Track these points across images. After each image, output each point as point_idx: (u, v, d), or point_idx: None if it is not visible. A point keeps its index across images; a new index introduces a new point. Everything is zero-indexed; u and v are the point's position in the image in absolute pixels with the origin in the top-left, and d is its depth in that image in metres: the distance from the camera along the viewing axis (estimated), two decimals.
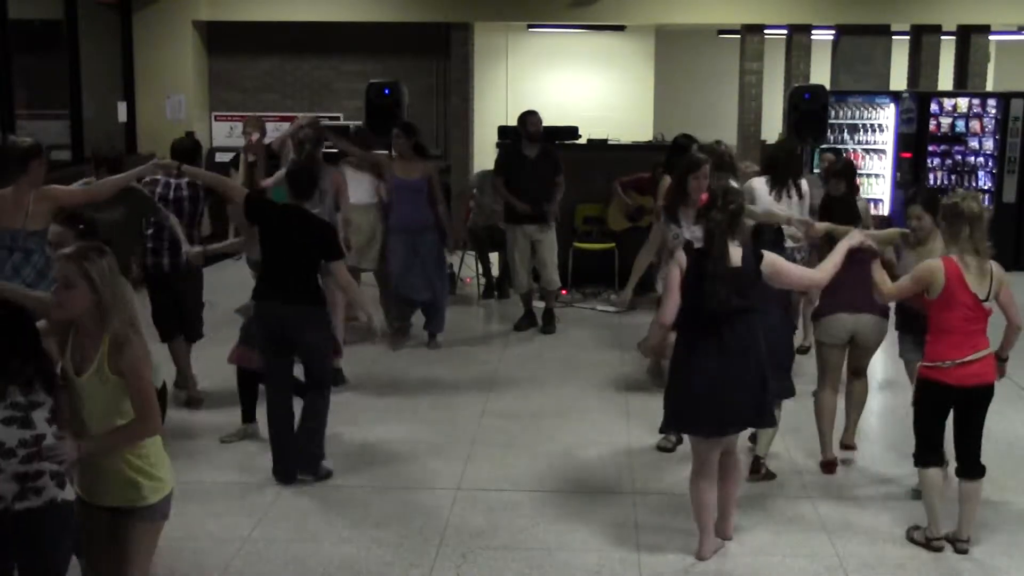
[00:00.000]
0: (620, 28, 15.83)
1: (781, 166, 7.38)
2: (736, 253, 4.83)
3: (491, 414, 7.14)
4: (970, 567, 4.98)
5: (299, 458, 5.92)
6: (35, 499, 3.45)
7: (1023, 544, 5.25)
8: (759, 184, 7.32)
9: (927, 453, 5.09)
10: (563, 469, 6.17)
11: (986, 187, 12.36)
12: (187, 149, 7.26)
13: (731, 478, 5.15)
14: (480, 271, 10.64)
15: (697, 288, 4.81)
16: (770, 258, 4.91)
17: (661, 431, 5.37)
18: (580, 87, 16.30)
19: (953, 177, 12.43)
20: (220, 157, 10.53)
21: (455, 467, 6.16)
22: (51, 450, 3.42)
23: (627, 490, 5.86)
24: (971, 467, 5.09)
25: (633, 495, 5.78)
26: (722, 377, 4.81)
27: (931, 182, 12.37)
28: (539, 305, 9.45)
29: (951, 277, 4.93)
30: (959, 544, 5.10)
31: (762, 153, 7.31)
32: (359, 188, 8.49)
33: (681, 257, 4.93)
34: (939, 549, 5.08)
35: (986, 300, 4.97)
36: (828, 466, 6.05)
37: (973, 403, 5.05)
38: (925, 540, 5.13)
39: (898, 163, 12.76)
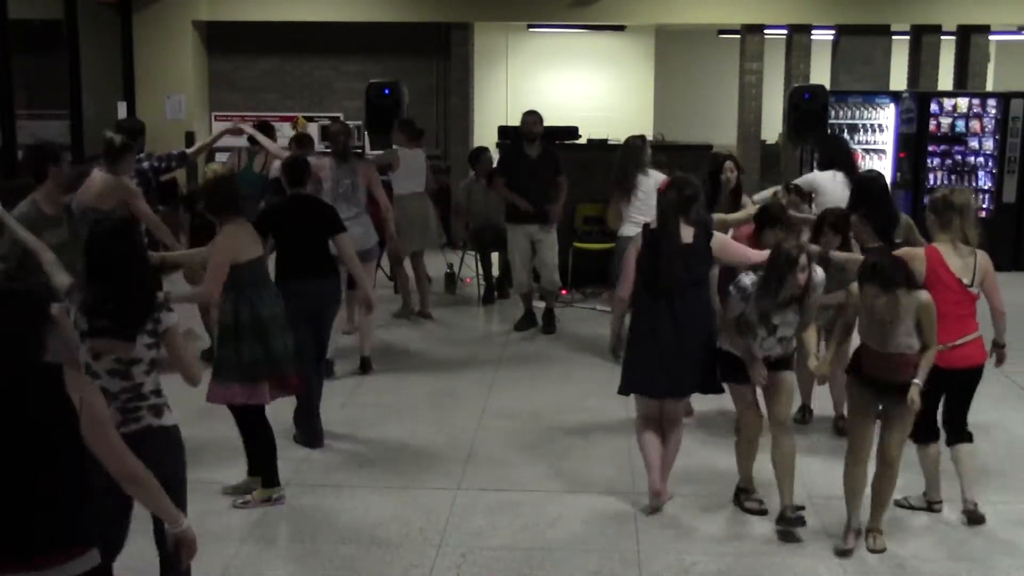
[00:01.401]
0: (620, 28, 15.84)
1: (850, 159, 7.72)
2: (688, 232, 5.37)
3: (491, 414, 7.14)
4: (969, 566, 4.98)
5: (309, 433, 6.43)
6: (134, 425, 3.94)
7: (1023, 545, 5.25)
8: (824, 178, 7.45)
9: (925, 432, 5.33)
10: (563, 469, 6.18)
11: (986, 187, 12.36)
12: (128, 132, 7.74)
13: (671, 446, 5.61)
14: (481, 273, 10.64)
15: (652, 264, 5.36)
16: (719, 238, 5.53)
17: (619, 393, 5.67)
18: (580, 87, 16.31)
19: (953, 177, 12.43)
20: (221, 157, 10.51)
21: (455, 467, 6.17)
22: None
23: (627, 490, 5.86)
24: (959, 434, 5.44)
25: (633, 495, 5.78)
26: (675, 344, 5.33)
27: (931, 182, 12.36)
28: (539, 305, 9.46)
29: (932, 261, 5.27)
30: (967, 505, 5.38)
31: (820, 146, 7.61)
32: (408, 179, 9.46)
33: (638, 239, 5.51)
34: (939, 511, 5.44)
35: (971, 286, 5.29)
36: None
37: (963, 384, 5.35)
38: (927, 504, 5.46)
39: (898, 163, 12.76)
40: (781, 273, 4.97)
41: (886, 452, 5.03)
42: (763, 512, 5.47)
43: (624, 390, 5.59)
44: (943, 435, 5.46)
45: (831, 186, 7.34)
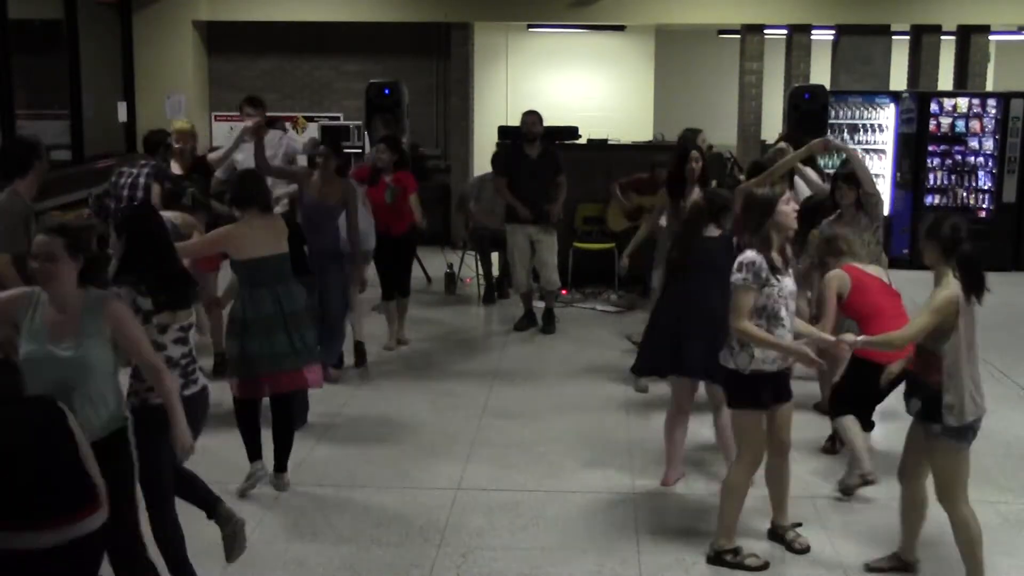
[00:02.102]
0: (620, 28, 15.83)
1: None
2: (714, 232, 5.65)
3: (491, 414, 7.14)
4: None
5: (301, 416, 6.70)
6: (194, 388, 4.48)
7: (1023, 545, 5.25)
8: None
9: (846, 408, 5.84)
10: (563, 469, 6.18)
11: (986, 187, 12.36)
12: (153, 143, 7.82)
13: (719, 418, 5.76)
14: (481, 273, 10.64)
15: (670, 250, 5.88)
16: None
17: (631, 371, 6.31)
18: (580, 87, 16.30)
19: (953, 177, 12.43)
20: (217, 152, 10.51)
21: (455, 467, 6.17)
22: None
23: (627, 490, 5.86)
24: (863, 422, 5.88)
25: (633, 495, 5.78)
26: (678, 325, 5.60)
27: (931, 182, 12.37)
28: (539, 305, 9.45)
29: (854, 272, 5.88)
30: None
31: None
32: None
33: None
34: (873, 482, 5.68)
35: (891, 285, 5.97)
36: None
37: (893, 380, 5.50)
38: (861, 480, 5.72)
39: (898, 163, 12.76)
40: (760, 214, 4.79)
41: (939, 501, 4.71)
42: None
43: (633, 368, 6.17)
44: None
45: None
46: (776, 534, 5.20)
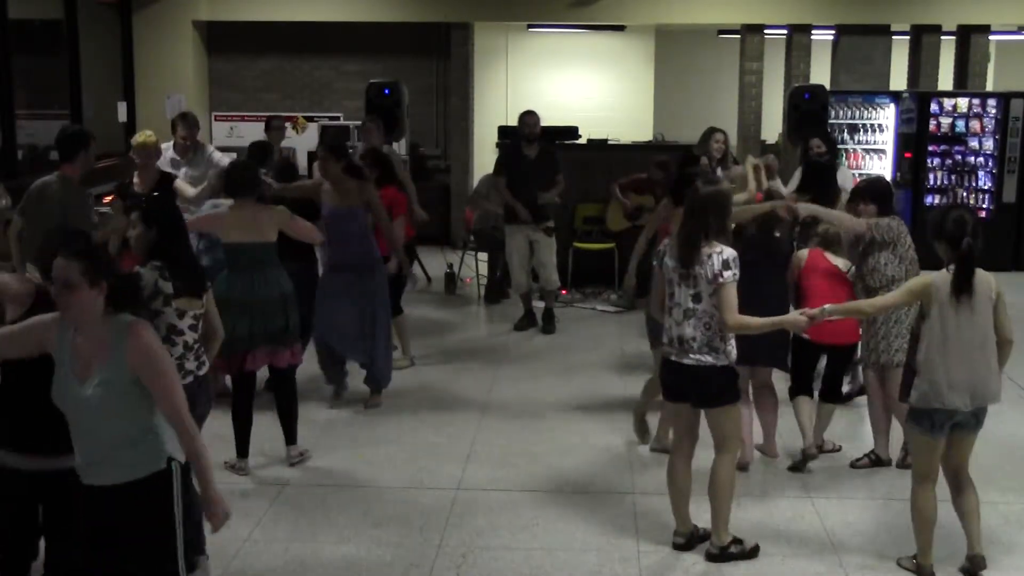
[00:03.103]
0: (620, 28, 15.82)
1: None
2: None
3: (491, 414, 7.14)
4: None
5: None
6: (204, 369, 4.73)
7: (1023, 544, 5.25)
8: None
9: (796, 388, 6.23)
10: (563, 469, 6.18)
11: (986, 187, 12.36)
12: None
13: (765, 408, 6.22)
14: (483, 272, 10.62)
15: None
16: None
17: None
18: (580, 87, 16.29)
19: (953, 177, 12.44)
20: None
21: (455, 467, 6.17)
22: None
23: (627, 490, 5.86)
24: (828, 395, 6.28)
25: (633, 495, 5.78)
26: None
27: (931, 182, 12.38)
28: (539, 305, 9.45)
29: (811, 252, 6.17)
30: (809, 449, 6.08)
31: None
32: None
33: None
34: (815, 457, 6.08)
35: (847, 272, 6.05)
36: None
37: (833, 357, 6.20)
38: (803, 456, 6.07)
39: (898, 163, 12.76)
40: (725, 212, 4.92)
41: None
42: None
43: None
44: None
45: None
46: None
